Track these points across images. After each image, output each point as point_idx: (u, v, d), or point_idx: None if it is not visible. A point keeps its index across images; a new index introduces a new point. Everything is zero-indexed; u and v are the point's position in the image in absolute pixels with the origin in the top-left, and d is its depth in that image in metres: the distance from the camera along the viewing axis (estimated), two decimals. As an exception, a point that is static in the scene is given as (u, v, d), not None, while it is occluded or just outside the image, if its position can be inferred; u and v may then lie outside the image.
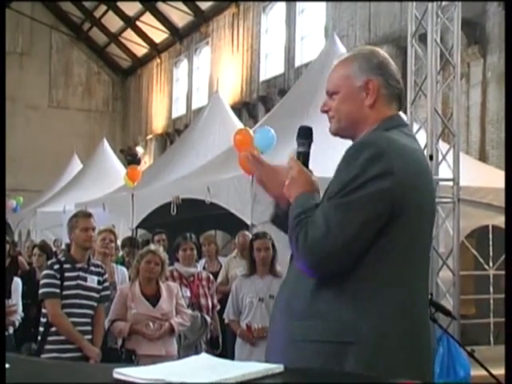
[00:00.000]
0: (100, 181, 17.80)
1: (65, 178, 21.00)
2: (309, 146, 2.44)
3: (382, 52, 2.48)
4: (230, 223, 10.23)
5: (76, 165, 21.64)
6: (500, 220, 9.41)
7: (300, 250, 2.18)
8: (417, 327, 2.22)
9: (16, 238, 17.38)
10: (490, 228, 9.58)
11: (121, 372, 1.63)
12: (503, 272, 8.71)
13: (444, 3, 6.50)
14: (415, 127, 6.93)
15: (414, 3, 6.53)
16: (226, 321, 6.03)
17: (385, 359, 2.12)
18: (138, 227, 12.32)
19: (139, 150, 28.16)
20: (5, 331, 1.40)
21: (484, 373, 5.88)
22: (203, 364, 1.79)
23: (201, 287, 6.31)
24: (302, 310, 2.21)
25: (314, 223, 2.15)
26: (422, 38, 7.52)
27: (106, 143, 20.98)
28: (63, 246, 12.50)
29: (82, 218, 5.09)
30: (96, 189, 16.61)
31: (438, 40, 6.32)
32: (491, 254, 9.56)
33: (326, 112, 2.44)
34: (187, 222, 11.05)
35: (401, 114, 2.49)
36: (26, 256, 11.22)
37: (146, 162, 26.18)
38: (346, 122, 2.41)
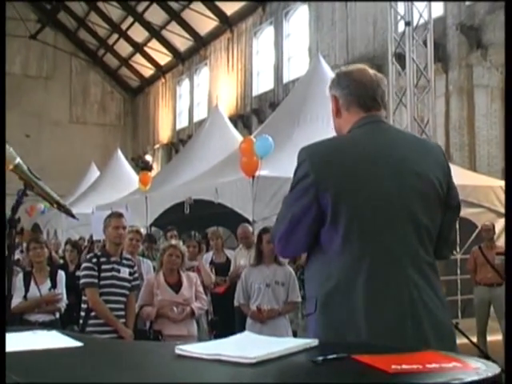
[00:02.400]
0: (115, 185, 17.74)
1: (84, 183, 20.96)
2: None
3: (345, 68, 2.50)
4: (231, 220, 10.24)
5: (94, 172, 21.57)
6: (465, 212, 9.49)
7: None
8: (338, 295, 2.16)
9: (45, 237, 17.30)
10: (458, 219, 9.66)
11: (182, 348, 1.66)
12: (468, 256, 8.81)
13: (419, 26, 6.55)
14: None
15: (393, 28, 6.57)
16: (236, 304, 6.01)
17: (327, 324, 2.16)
18: (151, 225, 12.32)
19: (148, 158, 28.09)
20: (5, 330, 1.43)
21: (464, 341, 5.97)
22: (249, 341, 1.82)
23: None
24: None
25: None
26: (396, 57, 7.57)
27: (119, 152, 20.92)
28: (86, 243, 12.49)
29: (114, 217, 5.10)
30: (112, 192, 16.56)
31: (415, 58, 6.37)
32: (458, 241, 9.62)
33: None
34: (194, 220, 11.05)
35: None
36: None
37: (154, 168, 26.13)
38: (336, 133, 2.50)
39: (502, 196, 9.91)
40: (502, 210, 9.80)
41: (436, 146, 2.47)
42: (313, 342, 1.72)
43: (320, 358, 1.49)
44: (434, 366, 1.44)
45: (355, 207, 2.17)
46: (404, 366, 1.41)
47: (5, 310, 1.82)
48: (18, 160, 2.44)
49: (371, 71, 2.45)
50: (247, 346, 1.71)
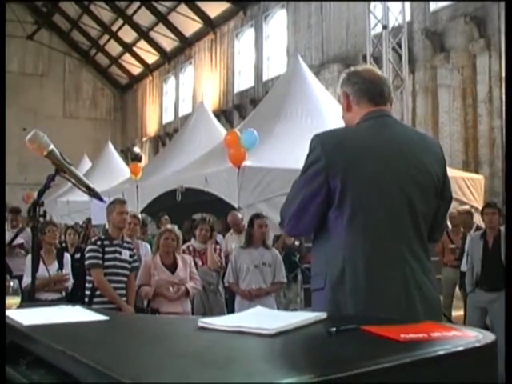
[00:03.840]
0: (106, 175, 17.63)
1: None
2: None
3: (355, 68, 2.52)
4: (217, 207, 10.22)
5: (86, 163, 21.36)
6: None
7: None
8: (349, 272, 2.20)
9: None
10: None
11: (204, 321, 1.67)
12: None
13: (392, 30, 6.57)
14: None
15: (372, 32, 6.59)
16: (226, 284, 6.04)
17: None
18: (141, 212, 12.25)
19: (136, 150, 27.93)
20: (5, 329, 1.43)
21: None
22: (264, 314, 1.83)
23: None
24: None
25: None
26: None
27: (110, 145, 20.76)
28: (79, 229, 12.39)
29: (118, 204, 5.06)
30: (104, 182, 16.41)
31: (391, 59, 6.40)
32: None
33: None
34: (182, 207, 11.01)
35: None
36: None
37: (142, 159, 26.00)
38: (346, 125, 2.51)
39: (464, 186, 10.04)
40: (464, 199, 9.93)
41: (435, 143, 2.52)
42: (322, 315, 1.73)
43: (333, 329, 1.51)
44: (437, 334, 1.47)
45: (360, 194, 2.20)
46: (411, 335, 1.44)
47: (5, 309, 1.80)
48: (52, 146, 2.43)
49: (378, 71, 2.50)
50: (264, 318, 1.71)
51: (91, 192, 2.64)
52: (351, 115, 2.44)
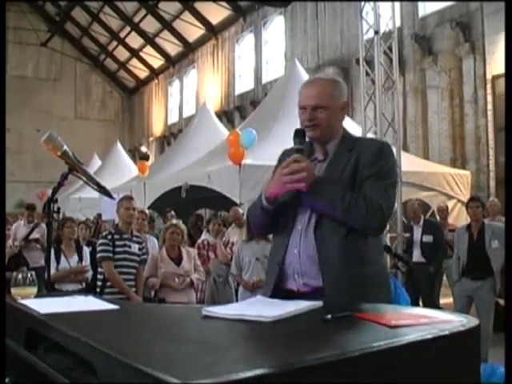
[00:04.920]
0: (115, 173, 17.59)
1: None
2: (303, 144, 2.33)
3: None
4: (219, 203, 10.24)
5: (96, 162, 21.33)
6: (420, 195, 9.61)
7: (376, 218, 2.23)
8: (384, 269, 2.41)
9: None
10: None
11: (208, 310, 1.68)
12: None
13: (383, 35, 6.57)
14: (368, 125, 6.99)
15: (365, 36, 6.59)
16: (231, 276, 6.07)
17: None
18: (149, 208, 12.26)
19: (143, 149, 27.87)
20: (5, 329, 1.43)
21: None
22: (264, 303, 1.84)
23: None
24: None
25: (376, 200, 2.23)
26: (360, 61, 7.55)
27: (118, 145, 20.73)
28: (90, 224, 12.41)
29: (125, 200, 5.09)
30: (113, 180, 16.39)
31: (382, 62, 6.40)
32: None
33: (313, 122, 2.37)
34: (186, 203, 11.03)
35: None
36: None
37: (149, 158, 25.94)
38: (328, 131, 2.39)
39: (452, 181, 10.06)
40: (452, 193, 9.95)
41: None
42: (318, 303, 1.74)
43: (329, 316, 1.53)
44: (425, 320, 1.48)
45: None
46: (401, 321, 1.46)
47: (4, 307, 1.82)
48: (65, 147, 2.44)
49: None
50: (264, 307, 1.72)
51: (101, 189, 2.65)
52: (339, 126, 2.46)
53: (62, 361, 1.49)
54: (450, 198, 9.85)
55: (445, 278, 8.18)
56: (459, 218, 9.34)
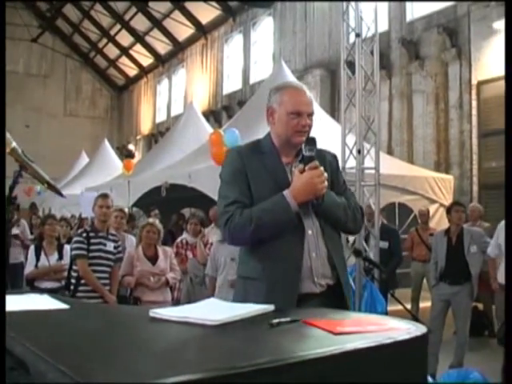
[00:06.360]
0: (102, 171, 17.51)
1: (75, 169, 20.64)
2: (313, 151, 2.35)
3: None
4: (202, 202, 10.18)
5: (84, 159, 21.25)
6: (403, 198, 9.59)
7: (361, 222, 2.58)
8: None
9: (40, 214, 17.03)
10: (397, 204, 9.73)
11: (155, 311, 1.64)
12: (406, 236, 8.90)
13: (367, 38, 6.53)
14: (347, 128, 6.93)
15: (345, 38, 6.55)
16: (207, 274, 5.99)
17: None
18: (132, 206, 12.19)
19: (131, 147, 27.76)
20: (5, 329, 1.38)
21: (399, 307, 6.00)
22: (214, 306, 1.81)
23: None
24: None
25: (358, 206, 2.56)
26: (348, 64, 7.53)
27: (106, 142, 20.60)
28: (75, 220, 12.35)
29: (100, 198, 5.02)
30: (99, 177, 16.36)
31: (363, 65, 6.37)
32: (397, 222, 9.73)
33: (307, 128, 2.42)
34: (169, 202, 10.97)
35: None
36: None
37: (136, 156, 25.83)
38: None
39: (435, 185, 10.04)
40: (434, 197, 9.93)
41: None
42: (269, 307, 1.71)
43: (276, 321, 1.49)
44: (372, 328, 1.45)
45: None
46: (347, 328, 1.42)
47: (5, 306, 1.77)
48: (14, 144, 2.39)
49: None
50: (212, 310, 1.70)
51: (51, 187, 2.60)
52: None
53: (7, 360, 1.45)
54: (433, 202, 9.83)
55: (425, 281, 8.18)
56: (441, 222, 9.31)
